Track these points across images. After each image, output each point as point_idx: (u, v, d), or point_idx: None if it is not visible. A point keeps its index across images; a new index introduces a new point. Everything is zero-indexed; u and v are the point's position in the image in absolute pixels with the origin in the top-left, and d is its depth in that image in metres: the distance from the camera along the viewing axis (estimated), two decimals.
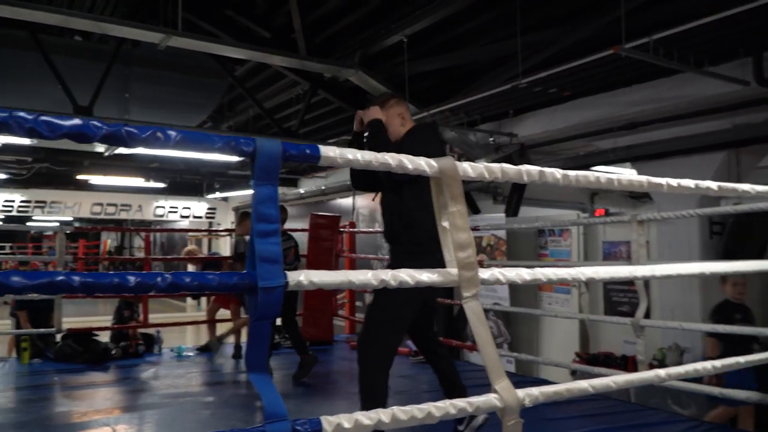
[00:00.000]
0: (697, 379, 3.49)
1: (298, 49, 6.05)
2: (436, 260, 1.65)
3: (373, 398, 2.61)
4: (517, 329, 7.92)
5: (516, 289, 7.60)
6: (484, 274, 1.61)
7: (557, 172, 1.78)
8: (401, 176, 2.91)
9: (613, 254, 7.77)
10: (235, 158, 9.97)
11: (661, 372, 2.11)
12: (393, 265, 2.93)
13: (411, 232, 2.85)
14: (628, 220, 4.13)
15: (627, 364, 6.59)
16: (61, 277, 1.09)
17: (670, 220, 5.17)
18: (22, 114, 1.09)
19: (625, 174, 2.00)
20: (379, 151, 3.06)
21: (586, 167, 7.09)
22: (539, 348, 7.92)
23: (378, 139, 2.87)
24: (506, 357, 6.73)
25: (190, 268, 7.75)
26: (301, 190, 13.06)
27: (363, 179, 3.17)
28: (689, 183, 2.10)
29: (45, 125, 1.10)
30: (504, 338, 7.67)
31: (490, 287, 7.62)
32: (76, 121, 1.12)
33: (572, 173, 1.82)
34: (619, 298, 7.54)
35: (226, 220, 16.67)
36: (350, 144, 3.08)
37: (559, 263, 7.49)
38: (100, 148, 8.98)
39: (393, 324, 2.80)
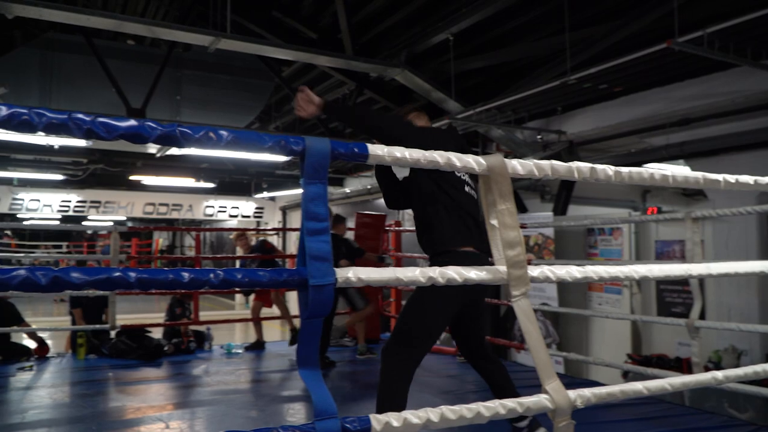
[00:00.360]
0: (756, 381, 3.36)
1: (344, 49, 6.09)
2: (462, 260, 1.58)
3: (389, 401, 2.46)
4: (566, 330, 7.78)
5: (565, 289, 7.48)
6: (534, 271, 1.58)
7: (609, 169, 1.74)
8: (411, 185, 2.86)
9: (666, 253, 7.56)
10: (282, 158, 10.11)
11: (719, 374, 2.04)
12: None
13: (432, 238, 2.77)
14: (682, 218, 4.00)
15: (681, 366, 6.40)
16: (118, 273, 1.13)
17: (726, 217, 5.00)
18: (80, 116, 1.13)
19: (680, 171, 1.93)
20: (384, 187, 3.04)
21: (638, 164, 6.92)
22: (589, 349, 7.77)
23: (382, 173, 2.99)
24: (555, 357, 6.62)
25: (240, 251, 7.85)
26: (347, 190, 13.14)
27: (394, 196, 3.10)
28: (747, 179, 2.02)
29: (102, 126, 1.14)
30: (552, 339, 7.55)
31: (538, 287, 7.51)
32: (132, 122, 1.16)
33: (625, 170, 1.78)
34: (673, 298, 7.33)
35: (274, 219, 16.91)
36: (376, 169, 3.04)
37: (609, 263, 7.33)
38: (152, 149, 9.24)
39: (423, 325, 2.69)
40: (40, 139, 7.83)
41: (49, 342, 6.24)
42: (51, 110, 1.10)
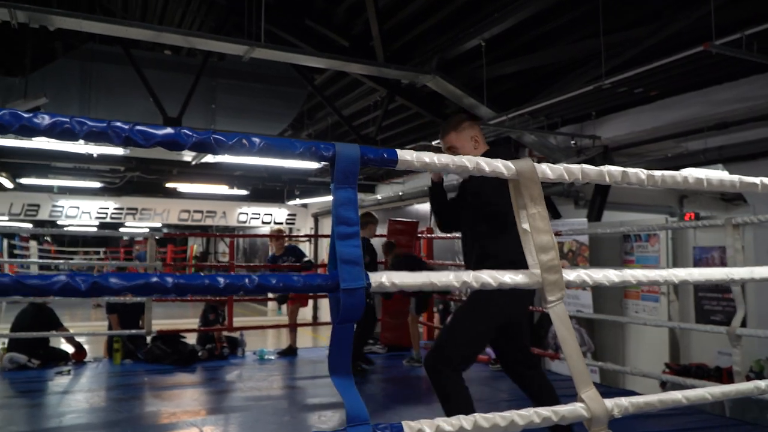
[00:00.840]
0: None
1: (376, 56, 6.13)
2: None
3: (455, 406, 2.53)
4: (602, 338, 7.66)
5: (600, 297, 7.36)
6: (570, 275, 1.57)
7: (641, 173, 1.72)
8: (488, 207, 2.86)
9: (704, 260, 7.39)
10: (314, 165, 10.19)
11: (762, 383, 1.99)
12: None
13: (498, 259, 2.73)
14: (722, 224, 3.91)
15: (721, 376, 6.24)
16: (155, 279, 1.16)
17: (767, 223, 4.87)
18: (118, 124, 1.17)
19: (715, 173, 1.88)
20: (436, 209, 3.06)
21: (675, 169, 6.78)
22: (625, 358, 7.63)
23: (436, 199, 3.05)
24: (591, 366, 6.52)
25: (272, 251, 7.90)
26: (379, 196, 13.18)
27: (449, 219, 3.13)
28: None
29: (140, 134, 1.17)
30: (588, 347, 7.44)
31: (572, 294, 7.41)
32: (169, 130, 1.19)
33: (657, 173, 1.76)
34: (712, 306, 7.16)
35: (306, 225, 17.06)
36: (430, 193, 3.11)
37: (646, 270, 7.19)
38: (188, 157, 9.41)
39: (468, 344, 2.71)
40: (79, 147, 8.05)
41: (86, 347, 6.39)
42: (91, 119, 1.14)
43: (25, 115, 1.11)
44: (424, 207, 11.36)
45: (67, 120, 1.12)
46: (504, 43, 6.06)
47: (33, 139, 6.59)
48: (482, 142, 3.03)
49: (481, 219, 2.89)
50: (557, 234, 5.86)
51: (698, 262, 7.42)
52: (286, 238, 7.70)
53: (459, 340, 2.69)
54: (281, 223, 17.05)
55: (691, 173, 1.84)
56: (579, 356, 1.56)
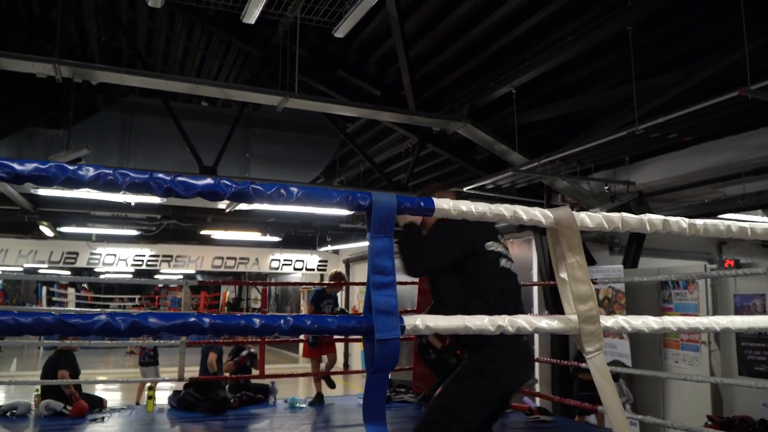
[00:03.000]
0: None
1: (407, 104, 6.21)
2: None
3: None
4: (641, 389, 7.41)
5: (638, 345, 7.16)
6: (608, 321, 1.53)
7: (683, 221, 1.69)
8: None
9: (746, 308, 7.15)
10: (346, 212, 10.26)
11: None
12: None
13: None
14: (764, 273, 3.80)
15: (767, 430, 5.96)
16: (192, 319, 1.17)
17: None
18: (160, 175, 1.19)
19: (759, 222, 1.83)
20: (405, 254, 2.70)
21: (713, 215, 6.66)
22: (666, 410, 7.35)
23: (406, 242, 2.66)
24: (630, 419, 6.30)
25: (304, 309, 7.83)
26: None
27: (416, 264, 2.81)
28: None
29: (181, 185, 1.20)
30: (627, 398, 7.20)
31: (609, 343, 7.22)
32: (209, 181, 1.21)
33: (699, 222, 1.72)
34: (755, 356, 6.89)
35: None
36: (409, 235, 2.75)
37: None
38: (222, 205, 9.57)
39: (457, 420, 2.50)
40: (117, 196, 8.26)
41: (118, 394, 6.40)
42: (133, 170, 1.17)
43: (70, 168, 1.14)
44: None
45: (110, 172, 1.15)
46: (535, 90, 6.10)
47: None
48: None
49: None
50: (592, 281, 5.75)
51: (739, 310, 7.18)
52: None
53: (447, 417, 2.51)
54: (313, 270, 17.09)
55: (733, 221, 1.80)
56: (619, 410, 1.51)
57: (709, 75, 4.73)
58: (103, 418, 5.65)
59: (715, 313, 7.27)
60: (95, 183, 1.15)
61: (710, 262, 8.43)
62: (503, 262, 2.76)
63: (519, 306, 2.79)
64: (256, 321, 1.21)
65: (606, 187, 7.34)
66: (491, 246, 2.73)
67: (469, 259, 2.68)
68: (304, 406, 6.51)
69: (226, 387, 6.56)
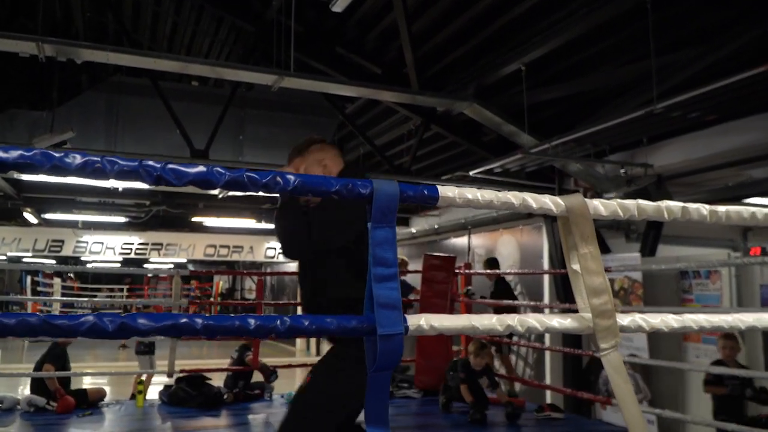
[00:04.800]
0: None
1: (410, 83, 6.20)
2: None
3: None
4: (659, 385, 7.43)
5: (656, 339, 7.17)
6: (624, 320, 1.54)
7: (703, 208, 1.69)
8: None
9: None
10: None
11: None
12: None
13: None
14: None
15: None
16: (184, 320, 1.17)
17: None
18: (150, 163, 1.20)
19: None
20: (291, 231, 2.63)
21: (737, 199, 6.65)
22: (685, 406, 7.38)
23: (290, 215, 2.63)
24: (647, 414, 6.33)
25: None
26: (413, 230, 13.17)
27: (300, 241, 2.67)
28: None
29: (172, 173, 1.20)
30: (644, 395, 7.23)
31: (626, 336, 7.24)
32: (201, 169, 1.22)
33: (721, 209, 1.72)
34: None
35: None
36: (280, 213, 2.72)
37: (706, 310, 6.99)
38: (214, 190, 9.58)
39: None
40: (103, 181, 8.27)
41: (107, 388, 6.46)
42: (122, 158, 1.18)
43: (57, 155, 1.15)
44: (462, 241, 11.31)
45: (98, 159, 1.15)
46: (546, 67, 6.07)
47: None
48: (333, 165, 2.78)
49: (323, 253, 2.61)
50: (606, 270, 5.76)
51: (766, 302, 7.19)
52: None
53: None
54: None
55: (759, 207, 1.79)
56: (636, 407, 1.52)
57: (733, 50, 4.70)
58: (90, 413, 5.71)
59: (739, 304, 7.26)
60: (82, 171, 1.15)
61: (734, 249, 8.42)
62: None
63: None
64: (251, 322, 1.21)
65: (622, 170, 7.32)
66: None
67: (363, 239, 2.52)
68: None
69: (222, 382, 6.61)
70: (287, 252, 2.77)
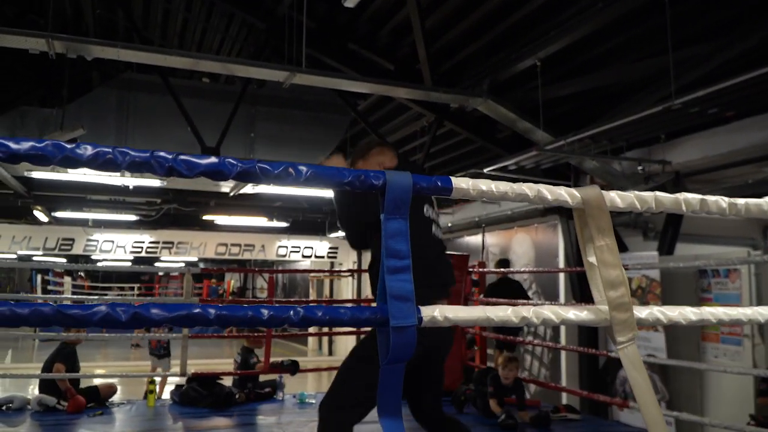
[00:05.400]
0: None
1: (423, 79, 6.20)
2: None
3: None
4: (677, 385, 7.39)
5: (674, 339, 7.13)
6: (642, 312, 1.53)
7: (722, 201, 1.68)
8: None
9: None
10: None
11: None
12: None
13: None
14: None
15: None
16: (197, 310, 1.18)
17: None
18: (162, 154, 1.21)
19: None
20: (342, 220, 2.88)
21: (757, 197, 6.59)
22: (704, 408, 7.33)
23: (339, 206, 2.89)
24: (666, 416, 6.28)
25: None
26: None
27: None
28: None
29: (184, 164, 1.21)
30: (662, 396, 7.20)
31: (643, 336, 7.20)
32: (213, 159, 1.23)
33: (741, 201, 1.71)
34: None
35: (348, 259, 17.13)
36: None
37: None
38: (225, 188, 9.62)
39: (356, 388, 2.66)
40: (115, 179, 8.34)
41: (120, 388, 6.50)
42: (134, 149, 1.19)
43: (68, 146, 1.16)
44: (476, 239, 11.29)
45: (110, 150, 1.17)
46: (562, 62, 6.05)
47: (71, 171, 6.89)
48: (392, 165, 2.95)
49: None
50: (624, 268, 5.72)
51: None
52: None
53: (347, 387, 2.71)
54: (322, 257, 17.17)
55: None
56: (654, 404, 1.51)
57: (754, 44, 4.66)
58: (101, 413, 5.75)
59: (760, 304, 7.21)
60: (94, 162, 1.16)
61: (754, 247, 8.36)
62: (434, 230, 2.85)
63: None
64: (264, 312, 1.22)
65: (639, 168, 7.28)
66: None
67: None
68: (314, 401, 6.58)
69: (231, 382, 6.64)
70: (340, 226, 3.00)
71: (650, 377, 5.74)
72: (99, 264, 17.36)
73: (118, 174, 7.20)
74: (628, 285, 1.54)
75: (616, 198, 1.52)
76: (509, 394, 5.61)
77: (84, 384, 6.25)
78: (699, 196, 1.62)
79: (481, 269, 7.47)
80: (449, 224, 12.19)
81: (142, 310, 1.12)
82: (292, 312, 1.23)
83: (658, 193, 1.57)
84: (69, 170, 6.68)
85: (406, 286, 1.31)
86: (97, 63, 6.63)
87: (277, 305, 1.25)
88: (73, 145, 1.16)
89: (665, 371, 7.26)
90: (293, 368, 6.68)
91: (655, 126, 6.60)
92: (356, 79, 6.01)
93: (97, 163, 1.16)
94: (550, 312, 1.43)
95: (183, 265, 18.15)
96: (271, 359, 6.65)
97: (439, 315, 1.34)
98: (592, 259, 1.51)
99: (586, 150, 6.93)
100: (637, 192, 1.56)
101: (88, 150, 1.16)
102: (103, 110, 7.18)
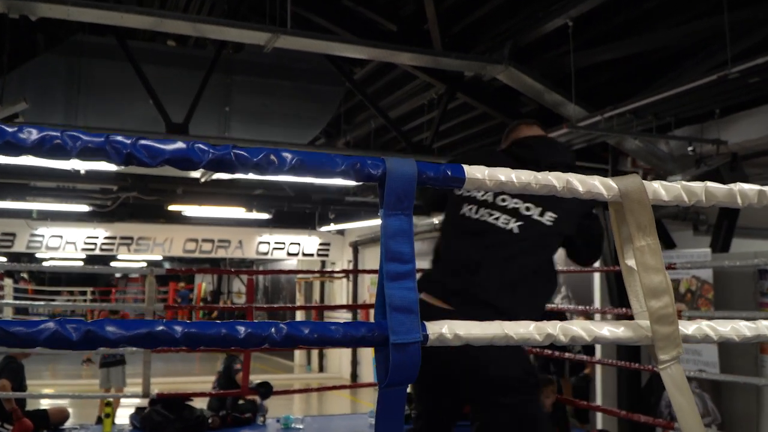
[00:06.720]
0: None
1: (431, 43, 6.18)
2: None
3: None
4: (731, 406, 7.43)
5: (728, 352, 7.15)
6: (688, 328, 1.54)
7: None
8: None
9: None
10: (353, 182, 10.28)
11: None
12: None
13: None
14: None
15: None
16: (161, 327, 1.18)
17: None
18: (119, 138, 1.21)
19: None
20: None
21: None
22: (761, 431, 7.38)
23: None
24: None
25: None
26: (435, 220, 13.16)
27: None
28: None
29: (145, 151, 1.21)
30: (712, 418, 7.22)
31: (692, 348, 7.22)
32: (180, 145, 1.22)
33: None
34: None
35: (343, 258, 17.12)
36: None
37: None
38: (195, 173, 9.61)
39: None
40: (63, 163, 8.33)
41: (70, 410, 6.53)
42: (86, 132, 1.18)
43: (9, 130, 1.16)
44: None
45: (58, 135, 1.16)
46: (598, 22, 6.03)
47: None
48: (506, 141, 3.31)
49: None
50: (671, 268, 5.74)
51: None
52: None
53: None
54: (311, 255, 17.18)
55: None
56: (700, 429, 1.52)
57: None
58: None
59: None
60: (39, 148, 1.16)
61: None
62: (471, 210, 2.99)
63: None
64: (241, 330, 1.21)
65: (690, 148, 7.28)
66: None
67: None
68: (301, 426, 6.60)
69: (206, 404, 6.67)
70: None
71: (700, 396, 5.80)
72: (45, 264, 17.36)
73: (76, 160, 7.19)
74: (676, 288, 1.54)
75: (661, 189, 1.52)
76: (552, 422, 5.50)
77: (31, 406, 6.28)
78: (757, 187, 1.62)
79: None
80: None
81: (96, 327, 1.13)
82: (273, 329, 1.22)
83: (710, 184, 1.57)
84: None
85: (410, 295, 1.30)
86: (42, 24, 6.59)
87: (256, 321, 1.24)
88: (15, 129, 1.16)
89: (717, 389, 7.29)
90: (264, 391, 6.61)
91: (709, 99, 6.59)
92: (351, 42, 5.99)
93: (43, 149, 1.16)
94: (580, 328, 1.43)
95: (145, 265, 18.17)
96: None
97: (447, 332, 1.34)
98: (631, 262, 1.52)
99: (626, 127, 6.91)
100: (684, 182, 1.56)
101: (33, 134, 1.16)
102: (50, 80, 7.16)
